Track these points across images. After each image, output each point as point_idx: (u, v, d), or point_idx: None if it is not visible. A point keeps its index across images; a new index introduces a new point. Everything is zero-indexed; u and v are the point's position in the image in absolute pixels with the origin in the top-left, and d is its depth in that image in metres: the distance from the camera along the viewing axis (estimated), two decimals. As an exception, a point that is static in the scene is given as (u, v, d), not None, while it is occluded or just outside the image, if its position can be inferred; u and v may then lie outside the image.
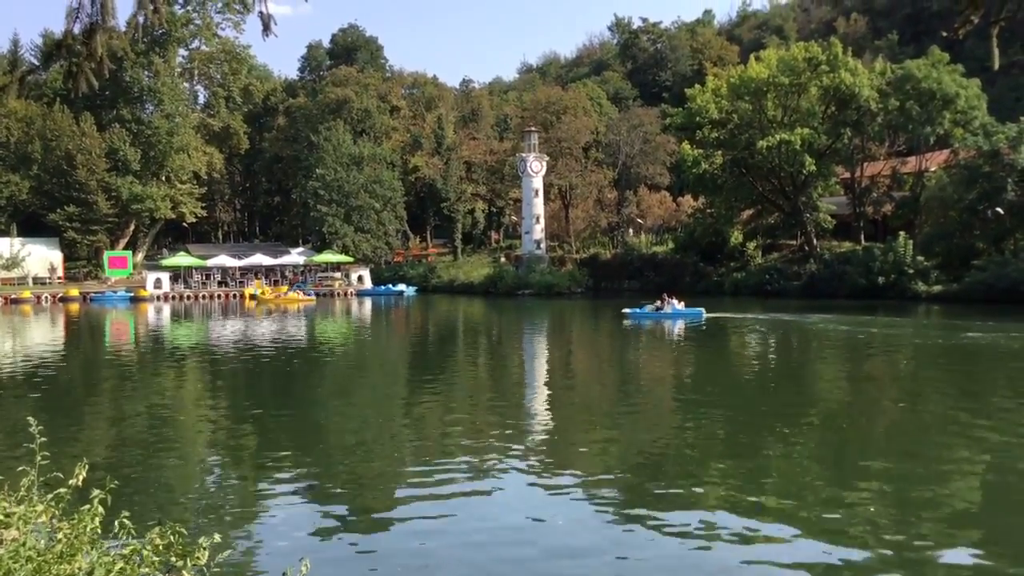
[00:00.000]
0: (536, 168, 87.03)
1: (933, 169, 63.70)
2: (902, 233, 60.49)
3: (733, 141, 68.53)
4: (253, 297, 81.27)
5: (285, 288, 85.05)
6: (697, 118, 69.58)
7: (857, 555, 10.78)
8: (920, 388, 24.96)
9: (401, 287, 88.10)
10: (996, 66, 10.96)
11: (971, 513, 12.79)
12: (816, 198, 69.45)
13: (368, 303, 77.19)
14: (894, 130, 66.21)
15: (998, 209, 54.79)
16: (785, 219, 72.62)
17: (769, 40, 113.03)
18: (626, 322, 47.03)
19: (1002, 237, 55.97)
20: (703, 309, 48.12)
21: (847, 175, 70.04)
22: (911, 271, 57.76)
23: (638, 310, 49.12)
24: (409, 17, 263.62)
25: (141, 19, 10.13)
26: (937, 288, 56.15)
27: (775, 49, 75.94)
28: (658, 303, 48.73)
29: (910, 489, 13.68)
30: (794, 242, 73.56)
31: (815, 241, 68.77)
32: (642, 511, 12.57)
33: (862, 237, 68.29)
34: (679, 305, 48.35)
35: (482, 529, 12.05)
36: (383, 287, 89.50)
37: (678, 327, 43.69)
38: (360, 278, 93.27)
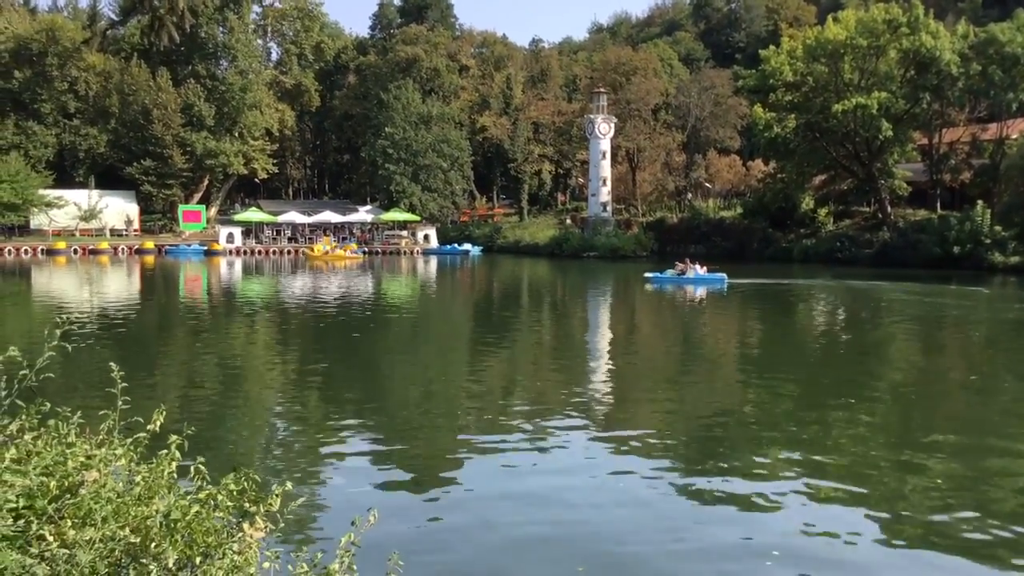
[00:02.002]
0: (604, 130, 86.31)
1: (1015, 136, 61.62)
2: (980, 202, 58.80)
3: (807, 104, 67.04)
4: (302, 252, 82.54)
5: (333, 244, 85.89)
6: (771, 80, 68.18)
7: (919, 530, 10.68)
8: (993, 362, 24.39)
9: (467, 246, 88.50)
10: None
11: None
12: (892, 164, 67.76)
13: (434, 262, 77.77)
14: (975, 96, 64.07)
15: (1083, 179, 52.89)
16: (859, 185, 71.06)
17: (848, 1, 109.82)
18: (648, 286, 46.62)
19: (1086, 208, 54.10)
20: (725, 275, 47.28)
21: (925, 141, 68.13)
22: (988, 241, 56.23)
23: (660, 274, 48.67)
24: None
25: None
26: (1015, 259, 54.60)
27: (854, 10, 73.76)
28: (681, 267, 48.18)
29: (980, 463, 13.44)
30: (867, 209, 71.97)
31: (889, 209, 67.19)
32: (703, 480, 12.56)
33: (938, 205, 66.52)
34: (702, 270, 47.71)
35: (543, 488, 12.18)
36: (449, 246, 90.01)
37: (700, 292, 43.34)
38: (427, 237, 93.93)
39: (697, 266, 48.23)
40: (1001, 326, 32.15)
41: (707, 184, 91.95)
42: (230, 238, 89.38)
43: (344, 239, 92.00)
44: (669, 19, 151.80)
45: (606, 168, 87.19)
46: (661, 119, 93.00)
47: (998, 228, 56.42)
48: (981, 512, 11.17)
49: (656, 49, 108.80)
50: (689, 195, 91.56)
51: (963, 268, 54.96)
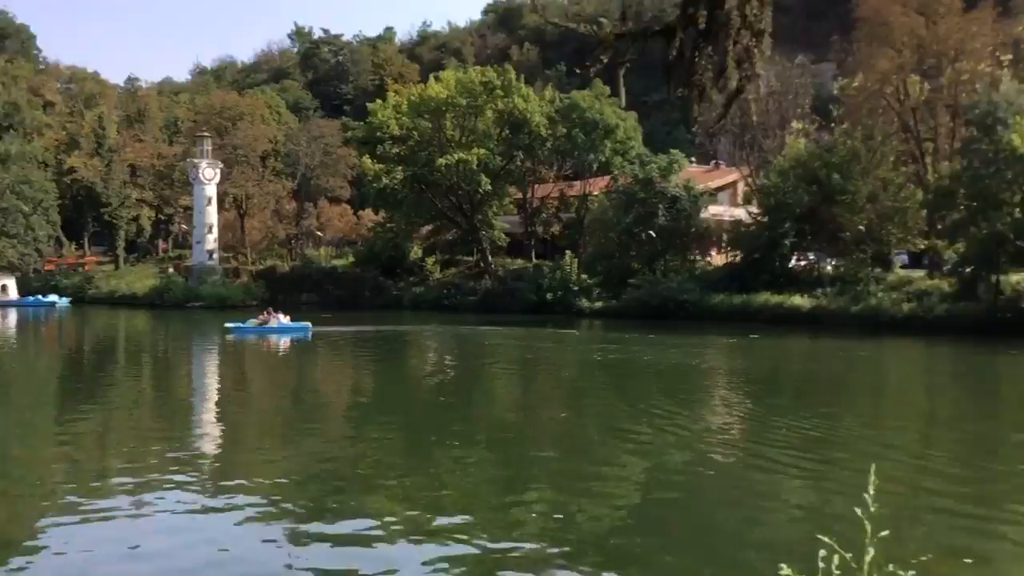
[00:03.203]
0: (209, 175, 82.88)
1: (596, 193, 68.24)
2: (568, 252, 64.19)
3: (413, 157, 69.32)
4: None
5: None
6: (378, 133, 69.69)
7: (522, 557, 10.85)
8: (581, 399, 26.24)
9: (52, 298, 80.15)
10: (623, 103, 11.59)
11: (630, 512, 13.36)
12: (491, 216, 71.99)
13: (13, 315, 69.32)
14: (562, 155, 70.24)
15: (651, 232, 59.69)
16: (463, 236, 74.59)
17: (448, 61, 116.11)
18: (229, 336, 45.09)
19: (654, 258, 61.00)
20: (310, 324, 47.00)
21: (520, 195, 73.26)
22: (576, 288, 61.40)
23: (242, 324, 47.08)
24: (66, 6, 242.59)
25: None
26: (599, 304, 60.06)
27: (454, 71, 77.96)
28: (263, 317, 47.28)
29: (574, 493, 14.15)
30: (471, 258, 75.69)
31: (490, 258, 71.19)
32: (311, 527, 12.14)
33: (533, 255, 71.67)
34: (285, 319, 47.14)
35: (141, 553, 10.85)
36: (31, 298, 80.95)
37: (284, 342, 42.85)
38: (4, 287, 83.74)
39: (280, 315, 47.19)
40: (588, 366, 34.93)
41: (318, 232, 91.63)
42: None
43: None
44: (277, 67, 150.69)
45: (212, 214, 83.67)
46: (270, 166, 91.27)
47: (584, 276, 61.96)
48: (576, 535, 11.74)
49: (264, 95, 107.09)
50: (300, 243, 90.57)
51: (556, 313, 59.47)
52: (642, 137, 69.68)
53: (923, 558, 11.17)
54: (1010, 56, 59.41)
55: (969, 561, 11.53)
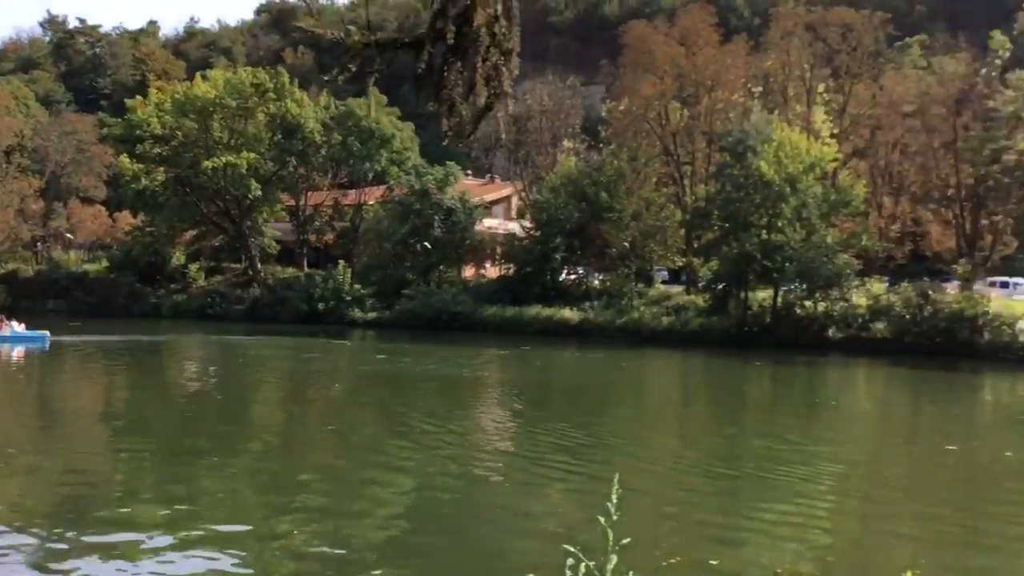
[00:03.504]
0: (-59, 168, 74.90)
1: (371, 203, 67.36)
2: (342, 262, 62.93)
3: (177, 159, 65.70)
4: None
5: None
6: (138, 131, 65.48)
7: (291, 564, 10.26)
8: (350, 411, 25.53)
9: None
10: (372, 111, 11.38)
11: (394, 522, 12.93)
12: (262, 223, 69.39)
13: None
14: (337, 163, 68.89)
15: (426, 243, 59.61)
16: (230, 242, 71.47)
17: (217, 60, 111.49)
18: None
19: (429, 269, 60.94)
20: (48, 333, 43.17)
21: (292, 203, 71.17)
22: (349, 298, 60.26)
23: None
24: None
25: None
26: (372, 315, 59.21)
27: (223, 70, 74.65)
28: None
29: (339, 509, 13.58)
30: (238, 266, 72.65)
31: (259, 266, 68.59)
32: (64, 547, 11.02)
33: (305, 264, 69.75)
34: (19, 327, 43.30)
35: None
36: None
37: (17, 352, 39.26)
38: None
39: (14, 323, 43.14)
40: (359, 378, 34.18)
41: (68, 235, 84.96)
42: None
43: None
44: (25, 56, 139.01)
45: (-56, 212, 75.62)
46: (15, 162, 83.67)
47: (358, 286, 60.91)
48: (340, 546, 11.26)
49: (10, 86, 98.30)
50: (48, 246, 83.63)
51: (329, 323, 58.03)
52: (419, 148, 69.57)
53: (672, 561, 11.47)
54: (760, 88, 64.27)
55: (714, 562, 11.91)
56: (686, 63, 61.50)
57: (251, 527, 12.42)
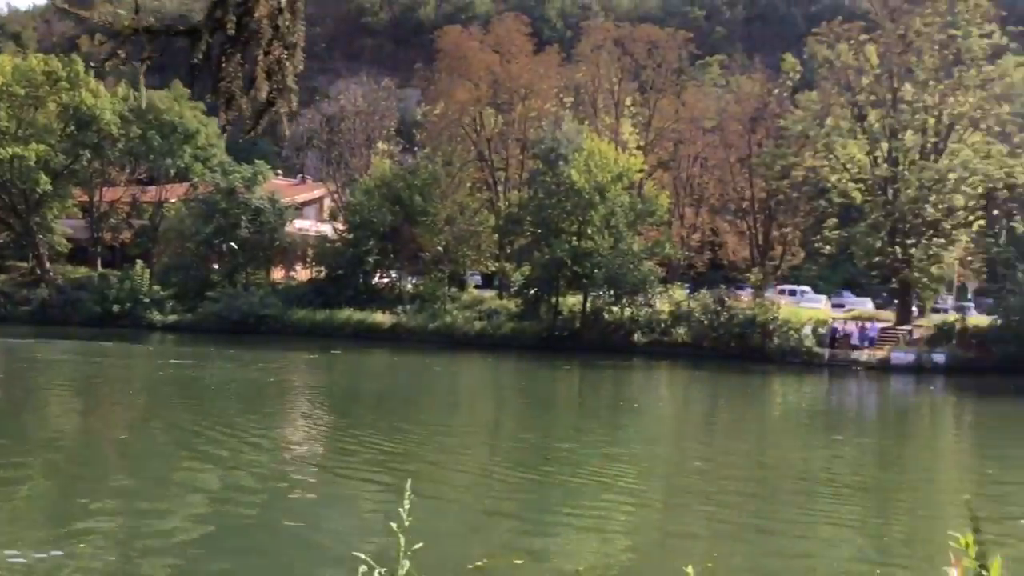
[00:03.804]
0: None
1: (173, 200, 64.29)
2: (140, 262, 59.68)
3: (-44, 148, 60.42)
4: None
5: None
6: (-89, 116, 59.76)
7: None
8: (142, 421, 24.09)
9: None
10: (144, 103, 10.82)
11: (189, 549, 12.19)
12: (51, 219, 64.78)
13: None
14: (135, 157, 65.29)
15: (232, 244, 57.43)
16: (16, 239, 66.34)
17: (5, 46, 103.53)
18: None
19: (235, 271, 58.76)
20: None
21: (86, 198, 66.91)
22: (147, 300, 57.19)
23: None
24: None
25: None
26: (173, 318, 56.45)
27: (11, 56, 69.31)
28: None
29: (136, 521, 12.73)
30: (25, 264, 67.56)
31: (48, 265, 64.02)
32: None
33: (99, 263, 65.70)
34: None
35: None
36: None
37: None
38: None
39: None
40: (154, 384, 32.39)
41: None
42: None
43: None
44: None
45: None
46: None
47: (157, 288, 57.86)
48: (137, 558, 10.31)
49: None
50: None
51: (125, 326, 54.75)
52: (225, 145, 66.97)
53: (477, 564, 11.39)
54: (572, 98, 65.91)
55: (519, 562, 11.93)
56: (501, 70, 62.26)
57: (25, 560, 11.26)
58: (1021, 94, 55.02)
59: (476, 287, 64.53)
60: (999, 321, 46.13)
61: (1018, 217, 53.25)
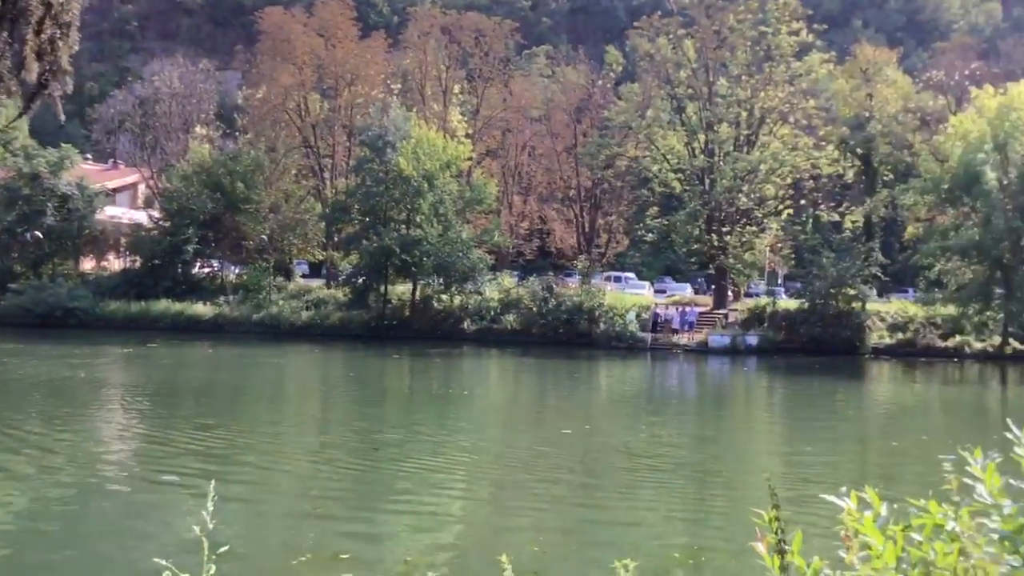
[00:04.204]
0: None
1: None
2: None
3: None
4: None
5: None
6: None
7: None
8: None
9: None
10: None
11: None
12: None
13: None
14: None
15: (37, 233, 53.74)
16: None
17: None
18: None
19: (41, 261, 55.11)
20: None
21: None
22: None
23: None
24: None
25: None
26: None
27: None
28: None
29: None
30: None
31: None
32: None
33: None
34: None
35: None
36: None
37: None
38: None
39: None
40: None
41: None
42: None
43: None
44: None
45: None
46: None
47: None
48: None
49: None
50: None
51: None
52: (28, 127, 62.47)
53: (301, 559, 11.04)
54: (399, 85, 65.25)
55: (345, 556, 11.66)
56: (326, 55, 60.91)
57: None
58: (825, 90, 58.66)
59: (303, 276, 63.07)
60: (805, 304, 48.99)
61: (823, 206, 56.74)
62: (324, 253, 59.71)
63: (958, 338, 47.33)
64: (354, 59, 61.09)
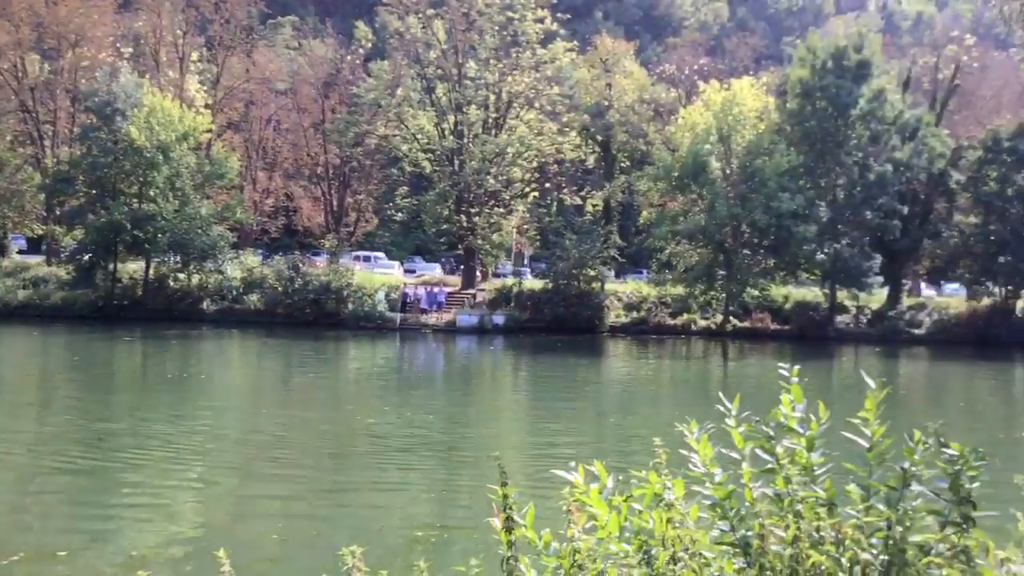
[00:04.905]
0: None
1: None
2: None
3: None
4: None
5: None
6: None
7: None
8: None
9: None
10: None
11: None
12: None
13: None
14: None
15: None
16: None
17: None
18: None
19: None
20: None
21: None
22: None
23: None
24: None
25: None
26: None
27: None
28: None
29: None
30: None
31: None
32: None
33: None
34: None
35: None
36: None
37: None
38: None
39: None
40: None
41: None
42: None
43: None
44: None
45: None
46: None
47: None
48: None
49: None
50: None
51: None
52: None
53: (14, 558, 10.25)
54: (131, 49, 60.94)
55: (62, 554, 10.88)
56: (46, 12, 55.88)
57: None
58: (569, 77, 60.85)
59: (20, 252, 57.77)
60: (549, 284, 50.75)
61: (566, 190, 58.94)
62: (44, 227, 54.90)
63: (685, 316, 50.82)
64: (79, 18, 56.38)
